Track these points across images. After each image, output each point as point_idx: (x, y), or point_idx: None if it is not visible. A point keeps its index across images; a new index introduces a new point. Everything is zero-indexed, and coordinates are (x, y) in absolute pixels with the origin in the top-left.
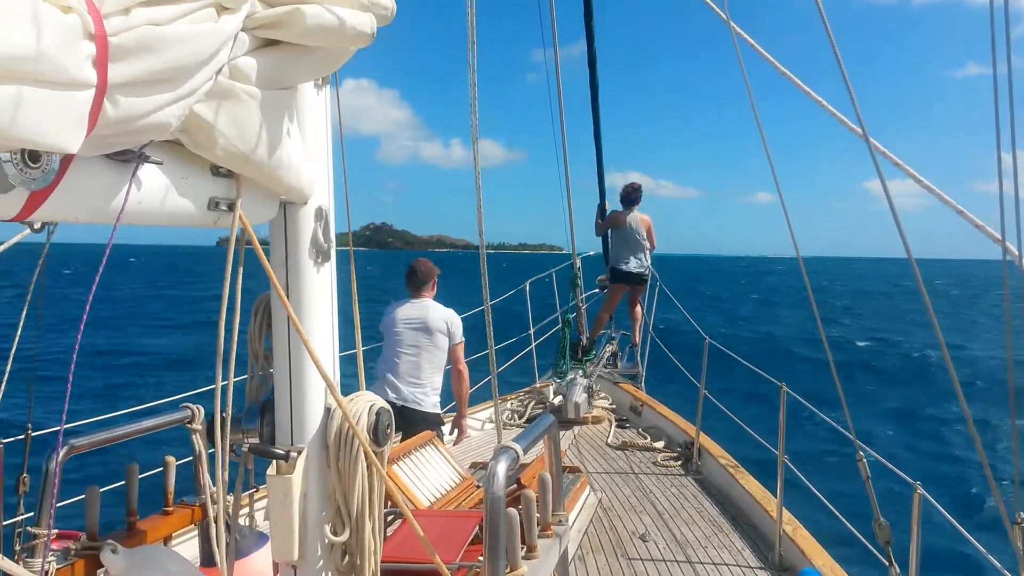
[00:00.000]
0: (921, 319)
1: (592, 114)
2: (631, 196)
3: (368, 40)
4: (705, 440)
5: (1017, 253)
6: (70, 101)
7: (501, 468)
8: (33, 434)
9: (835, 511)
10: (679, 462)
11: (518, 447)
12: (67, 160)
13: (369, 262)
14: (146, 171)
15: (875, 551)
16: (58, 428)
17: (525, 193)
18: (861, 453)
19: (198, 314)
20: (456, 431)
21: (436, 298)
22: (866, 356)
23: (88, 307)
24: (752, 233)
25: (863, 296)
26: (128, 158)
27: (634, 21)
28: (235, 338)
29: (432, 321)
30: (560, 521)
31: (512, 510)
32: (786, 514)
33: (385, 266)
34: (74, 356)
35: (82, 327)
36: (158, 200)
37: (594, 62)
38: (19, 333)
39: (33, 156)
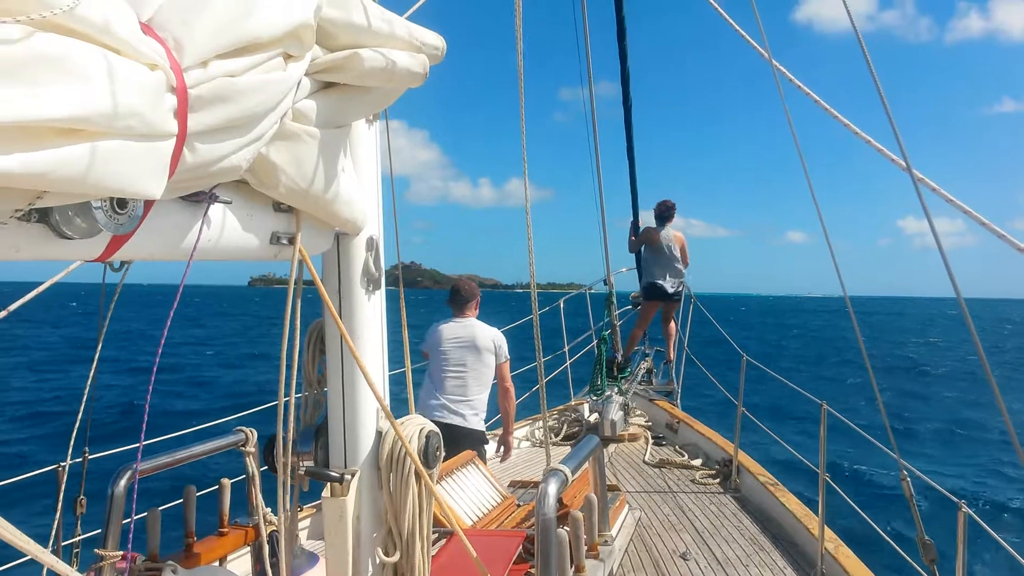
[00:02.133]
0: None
1: (625, 130)
2: (664, 213)
3: (422, 80)
4: (743, 457)
5: None
6: (154, 151)
7: (552, 490)
8: (90, 457)
9: (878, 529)
10: (717, 480)
11: (567, 470)
12: (148, 204)
13: (398, 301)
14: (216, 210)
15: (920, 569)
16: (114, 451)
17: (555, 232)
18: (905, 472)
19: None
20: (502, 448)
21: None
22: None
23: (163, 341)
24: (784, 272)
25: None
26: (200, 199)
27: (659, 59)
28: (295, 363)
29: (480, 340)
30: (606, 541)
31: (562, 531)
32: (828, 532)
33: (415, 305)
34: (150, 386)
35: (157, 360)
36: (226, 236)
37: (627, 76)
38: (94, 367)
39: (121, 203)
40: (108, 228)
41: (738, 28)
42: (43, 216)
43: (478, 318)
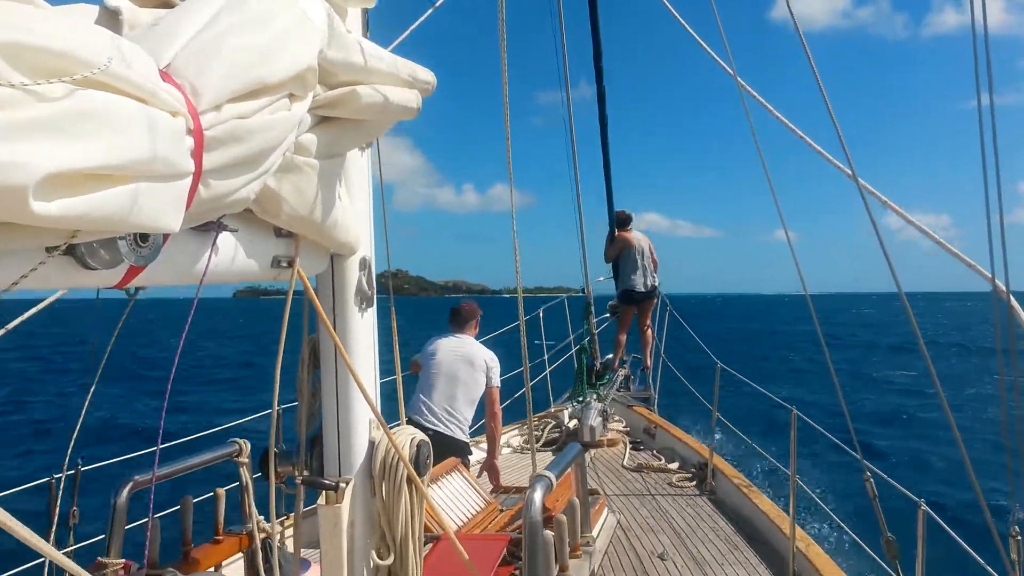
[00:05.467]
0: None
1: (602, 146)
2: (625, 218)
3: (415, 113)
4: (718, 460)
5: (1005, 290)
6: (174, 189)
7: (538, 496)
8: (83, 469)
9: (845, 527)
10: (693, 482)
11: (552, 476)
12: (166, 236)
13: (385, 310)
14: (223, 237)
15: (885, 566)
16: (107, 462)
17: (540, 236)
18: (868, 473)
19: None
20: (486, 473)
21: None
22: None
23: (177, 357)
24: (772, 271)
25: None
26: (209, 228)
27: (641, 61)
28: (276, 376)
29: (475, 357)
30: (588, 542)
31: (548, 533)
32: (799, 531)
33: (401, 313)
34: (165, 400)
35: (173, 373)
36: (232, 261)
37: (601, 78)
38: (94, 385)
39: (143, 236)
40: (130, 259)
41: (706, 47)
42: (70, 249)
43: (477, 337)
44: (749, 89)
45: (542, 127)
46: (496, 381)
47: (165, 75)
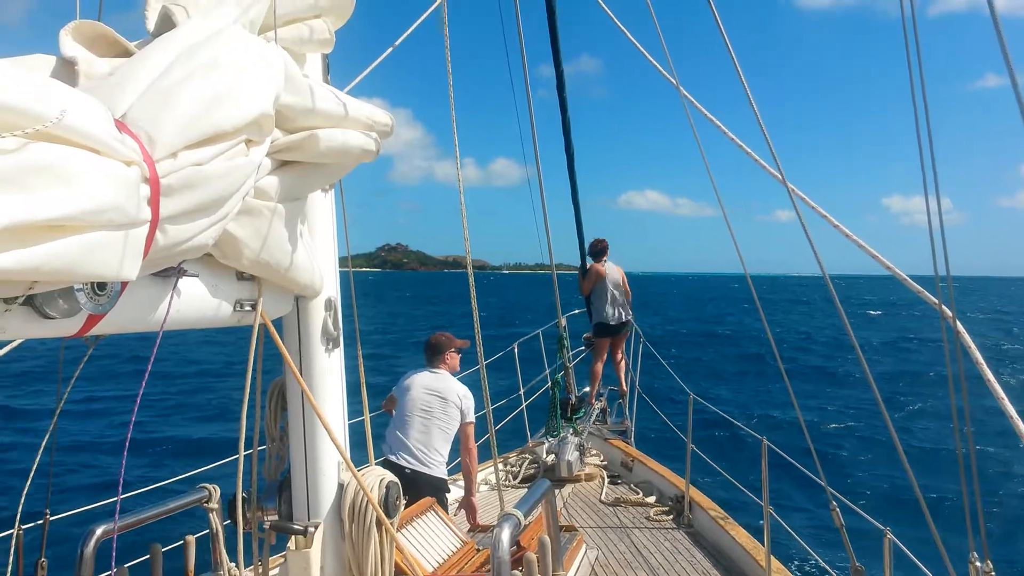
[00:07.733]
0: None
1: (570, 181)
2: (601, 248)
3: (374, 156)
4: (695, 493)
5: (951, 315)
6: (131, 237)
7: (506, 535)
8: (51, 518)
9: (818, 558)
10: (671, 516)
11: (520, 514)
12: (124, 284)
13: (382, 285)
14: (184, 283)
15: None
16: (75, 511)
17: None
18: (834, 503)
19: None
20: (463, 511)
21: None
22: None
23: (136, 408)
24: (770, 251)
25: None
26: (169, 274)
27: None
28: (258, 422)
29: (448, 392)
30: None
31: (516, 572)
32: (775, 562)
33: (401, 290)
34: (126, 443)
35: (132, 422)
36: (193, 306)
37: (567, 128)
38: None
39: (100, 285)
40: (88, 308)
41: (649, 56)
42: (28, 299)
43: (459, 371)
44: (692, 99)
45: (543, 99)
46: (471, 417)
47: (121, 125)
